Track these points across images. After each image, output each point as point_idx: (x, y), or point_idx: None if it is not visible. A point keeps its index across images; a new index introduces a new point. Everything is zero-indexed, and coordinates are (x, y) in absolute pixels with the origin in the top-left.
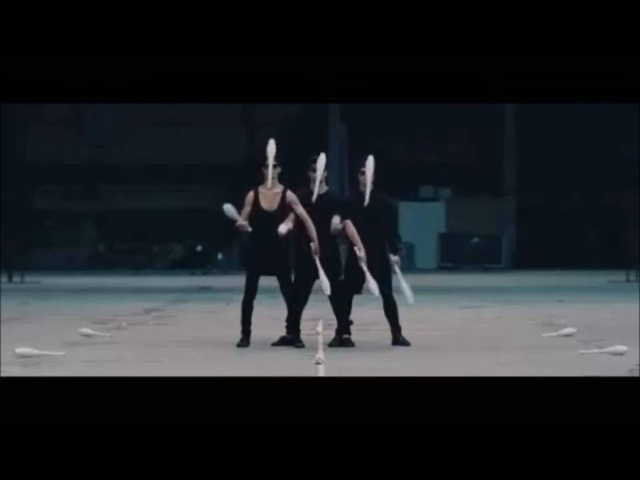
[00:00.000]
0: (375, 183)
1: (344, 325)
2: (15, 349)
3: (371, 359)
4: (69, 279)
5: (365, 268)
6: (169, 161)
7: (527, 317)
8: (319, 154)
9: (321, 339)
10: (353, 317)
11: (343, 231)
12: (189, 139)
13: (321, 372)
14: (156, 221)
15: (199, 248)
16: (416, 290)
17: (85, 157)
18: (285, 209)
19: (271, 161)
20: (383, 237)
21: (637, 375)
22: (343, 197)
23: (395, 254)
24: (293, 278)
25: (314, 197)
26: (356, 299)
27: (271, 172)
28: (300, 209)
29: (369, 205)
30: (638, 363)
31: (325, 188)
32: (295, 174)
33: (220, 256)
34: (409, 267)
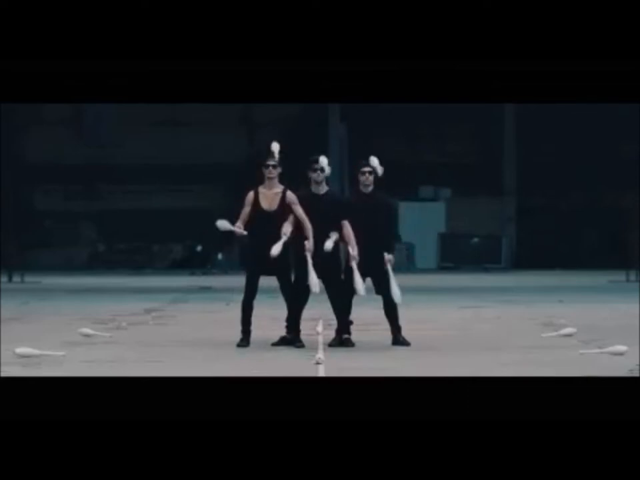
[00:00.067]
0: (375, 183)
1: (344, 325)
2: (15, 349)
3: (371, 359)
4: (68, 278)
5: (354, 266)
6: (169, 161)
7: (527, 316)
8: (319, 154)
9: (321, 338)
10: (353, 316)
11: (340, 232)
12: (189, 139)
13: (321, 372)
14: (156, 221)
15: (199, 248)
16: (416, 290)
17: (85, 156)
18: (284, 209)
19: (276, 153)
20: (383, 237)
21: (637, 374)
22: (343, 197)
23: (389, 253)
24: (292, 278)
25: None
26: (356, 299)
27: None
28: (299, 210)
29: (369, 204)
30: (638, 363)
31: (325, 188)
32: (295, 174)
33: (220, 256)
34: (408, 266)
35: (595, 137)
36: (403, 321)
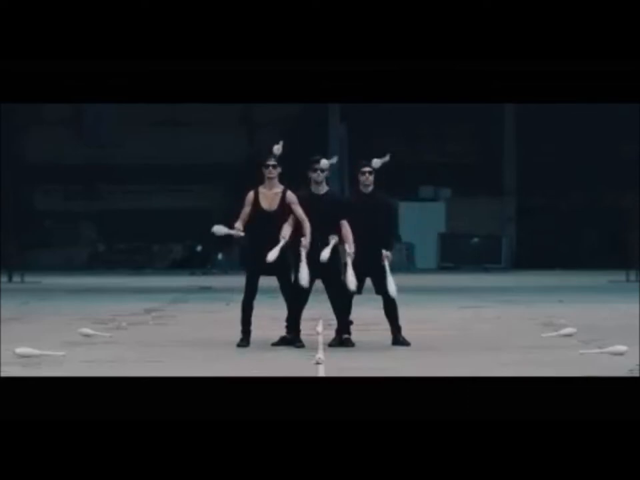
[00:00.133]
0: (375, 182)
1: (344, 325)
2: (15, 349)
3: (371, 359)
4: (68, 278)
5: (349, 263)
6: (169, 161)
7: (527, 316)
8: (319, 154)
9: (321, 339)
10: (353, 317)
11: (338, 231)
12: (189, 139)
13: (321, 372)
14: (156, 221)
15: (199, 248)
16: (416, 290)
17: (85, 156)
18: (284, 209)
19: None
20: (383, 237)
21: (637, 374)
22: (343, 197)
23: (387, 249)
24: (292, 278)
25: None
26: (356, 298)
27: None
28: (299, 209)
29: (369, 204)
30: (638, 363)
31: (325, 188)
32: (294, 174)
33: (220, 256)
34: (408, 266)
35: (595, 137)
36: (403, 321)
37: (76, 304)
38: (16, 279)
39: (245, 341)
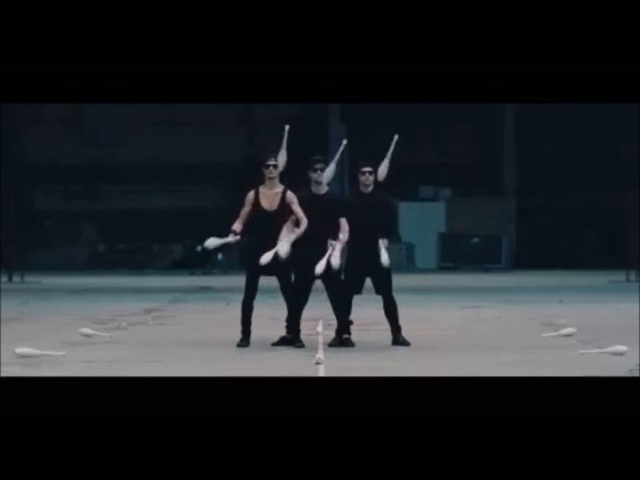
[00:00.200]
0: (375, 182)
1: (344, 325)
2: (15, 349)
3: (371, 359)
4: (69, 278)
5: (338, 247)
6: (169, 161)
7: (527, 316)
8: (319, 154)
9: (321, 339)
10: (353, 316)
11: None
12: (189, 139)
13: (321, 372)
14: (156, 221)
15: (199, 248)
16: (416, 290)
17: (85, 156)
18: (285, 208)
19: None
20: (383, 238)
21: (637, 374)
22: (343, 196)
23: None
24: (292, 278)
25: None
26: (356, 298)
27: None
28: (298, 209)
29: (369, 204)
30: (638, 363)
31: (325, 188)
32: (295, 174)
33: (220, 256)
34: (408, 266)
35: (595, 137)
36: (403, 321)
37: (76, 304)
38: (16, 279)
39: (244, 341)
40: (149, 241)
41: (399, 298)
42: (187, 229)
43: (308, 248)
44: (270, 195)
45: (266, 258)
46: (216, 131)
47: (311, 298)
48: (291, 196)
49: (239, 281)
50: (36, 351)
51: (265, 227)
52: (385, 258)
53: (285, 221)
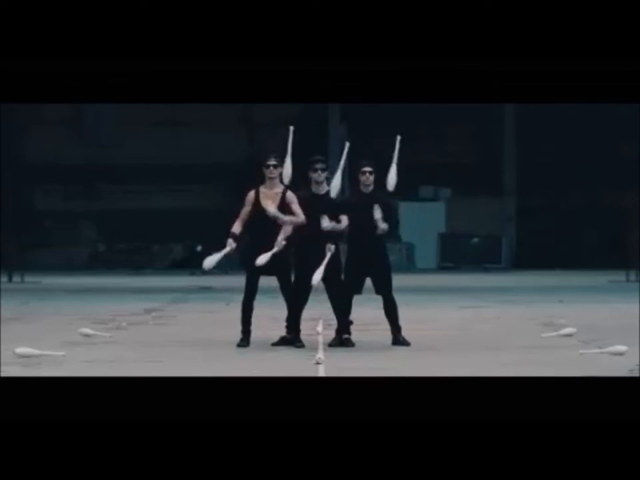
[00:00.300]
0: (375, 182)
1: (344, 325)
2: (15, 349)
3: (371, 359)
4: (69, 278)
5: (329, 254)
6: (169, 161)
7: (527, 316)
8: (319, 154)
9: (321, 339)
10: (353, 317)
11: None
12: (189, 139)
13: (321, 372)
14: (156, 221)
15: (199, 248)
16: (416, 290)
17: (85, 156)
18: (285, 208)
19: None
20: (383, 237)
21: (637, 374)
22: (343, 197)
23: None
24: (292, 278)
25: (331, 192)
26: (356, 298)
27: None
28: (297, 208)
29: (369, 204)
30: (638, 363)
31: (325, 188)
32: (294, 174)
33: None
34: (408, 266)
35: (595, 136)
36: (403, 321)
37: (76, 304)
38: (16, 279)
39: (244, 340)
40: (149, 240)
41: (398, 298)
42: (187, 228)
43: (308, 248)
44: (270, 195)
45: (262, 260)
46: (216, 130)
47: (311, 298)
48: (290, 196)
49: (239, 280)
50: (36, 351)
51: (265, 226)
52: (383, 226)
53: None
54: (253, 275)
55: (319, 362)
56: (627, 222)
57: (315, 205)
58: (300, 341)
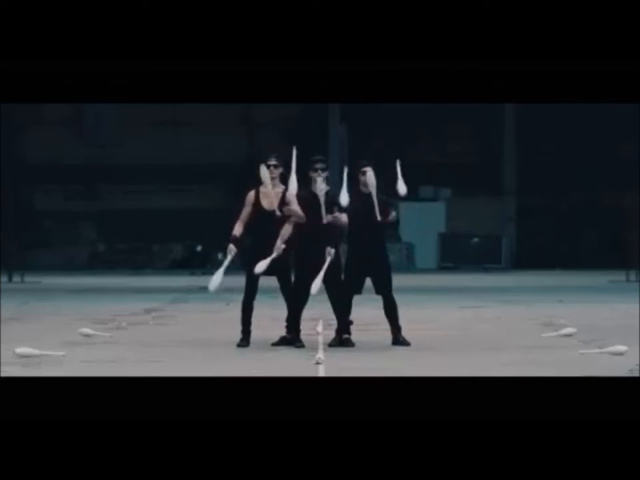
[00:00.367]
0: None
1: (344, 325)
2: (15, 349)
3: (371, 359)
4: (69, 278)
5: (329, 258)
6: (169, 161)
7: (527, 316)
8: (319, 154)
9: (321, 339)
10: (353, 316)
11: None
12: (189, 139)
13: (321, 372)
14: (156, 221)
15: (199, 248)
16: (416, 290)
17: (85, 156)
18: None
19: (268, 183)
20: (384, 238)
21: (637, 374)
22: None
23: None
24: (293, 278)
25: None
26: (356, 298)
27: (269, 182)
28: (295, 207)
29: (369, 204)
30: (638, 363)
31: (325, 188)
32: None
33: (220, 256)
34: (408, 266)
35: (595, 136)
36: (403, 321)
37: (76, 304)
38: (16, 279)
39: (244, 341)
40: (149, 240)
41: (398, 298)
42: (187, 229)
43: (307, 248)
44: (270, 195)
45: (261, 267)
46: (216, 130)
47: (311, 298)
48: (290, 196)
49: (239, 280)
50: (36, 351)
51: (265, 227)
52: (394, 213)
53: (285, 221)
54: (253, 275)
55: (319, 362)
56: (627, 222)
57: (315, 204)
58: (300, 341)
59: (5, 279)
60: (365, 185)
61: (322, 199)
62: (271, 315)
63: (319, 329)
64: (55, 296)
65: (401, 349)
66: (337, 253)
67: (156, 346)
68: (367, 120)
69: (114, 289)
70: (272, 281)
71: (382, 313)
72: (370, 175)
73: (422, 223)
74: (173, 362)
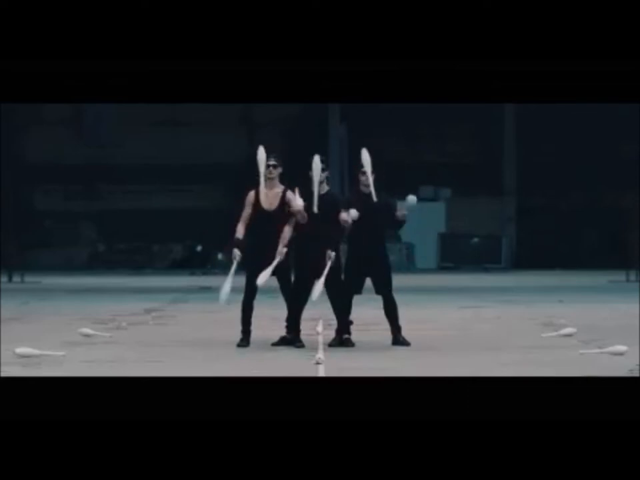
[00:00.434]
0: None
1: (344, 325)
2: (15, 349)
3: (371, 359)
4: (68, 278)
5: (329, 261)
6: (169, 161)
7: (527, 316)
8: (319, 154)
9: (321, 339)
10: (353, 316)
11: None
12: (189, 139)
13: (321, 372)
14: (156, 221)
15: (199, 248)
16: (416, 290)
17: (85, 156)
18: (285, 208)
19: (262, 168)
20: (384, 238)
21: (637, 374)
22: (343, 197)
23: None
24: (292, 278)
25: (315, 199)
26: (356, 298)
27: (263, 180)
28: (298, 202)
29: (368, 204)
30: (638, 363)
31: (325, 188)
32: (295, 174)
33: (220, 256)
34: (408, 266)
35: (595, 136)
36: (403, 321)
37: (76, 304)
38: (16, 279)
39: (244, 341)
40: (149, 240)
41: (398, 298)
42: (187, 228)
43: (308, 248)
44: (270, 195)
45: (263, 277)
46: (216, 130)
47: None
48: (290, 195)
49: (239, 281)
50: (36, 351)
51: (265, 227)
52: (403, 211)
53: (285, 221)
54: (253, 275)
55: (319, 362)
56: (627, 222)
57: (315, 205)
58: (300, 341)
59: (5, 278)
60: (365, 185)
61: (322, 199)
62: (271, 315)
63: (319, 329)
64: (54, 296)
65: (401, 349)
66: (337, 255)
67: (156, 346)
68: (367, 120)
69: (114, 289)
70: (272, 281)
71: (382, 313)
72: (365, 155)
73: (422, 222)
74: (173, 362)
